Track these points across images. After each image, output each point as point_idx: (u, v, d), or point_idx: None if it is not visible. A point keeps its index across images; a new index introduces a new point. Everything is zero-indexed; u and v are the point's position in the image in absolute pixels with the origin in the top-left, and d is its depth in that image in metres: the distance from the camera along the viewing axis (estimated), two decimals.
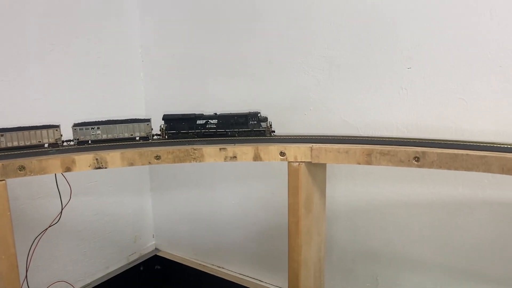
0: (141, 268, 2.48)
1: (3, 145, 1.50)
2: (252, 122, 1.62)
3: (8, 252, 1.41)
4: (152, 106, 2.37)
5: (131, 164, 1.49)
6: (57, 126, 1.56)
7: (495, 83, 1.51)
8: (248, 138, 1.60)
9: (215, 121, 1.63)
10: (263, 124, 1.62)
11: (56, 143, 1.56)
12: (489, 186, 1.59)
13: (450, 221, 1.69)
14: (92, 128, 1.59)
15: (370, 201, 1.85)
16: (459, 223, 1.68)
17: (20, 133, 1.52)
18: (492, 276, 1.67)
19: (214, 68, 2.13)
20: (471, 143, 1.40)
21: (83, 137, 1.58)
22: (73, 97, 2.08)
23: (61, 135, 1.57)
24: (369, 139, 1.53)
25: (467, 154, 1.30)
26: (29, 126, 1.54)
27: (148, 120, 1.62)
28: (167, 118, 1.63)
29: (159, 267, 2.53)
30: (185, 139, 1.61)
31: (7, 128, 1.51)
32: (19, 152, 1.49)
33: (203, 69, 2.17)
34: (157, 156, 1.51)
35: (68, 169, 1.43)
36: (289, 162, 1.49)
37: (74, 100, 2.09)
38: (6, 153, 1.47)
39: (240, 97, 2.06)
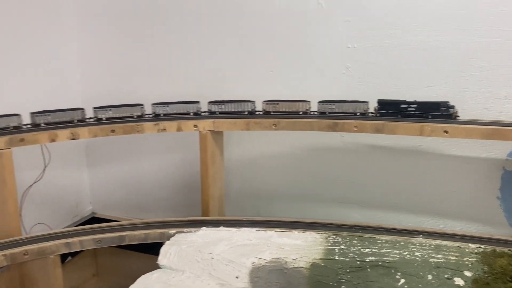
0: None
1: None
2: (442, 108, 1.99)
3: (12, 198, 2.10)
4: None
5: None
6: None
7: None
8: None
9: (414, 106, 2.04)
10: (451, 110, 2.00)
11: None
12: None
13: (300, 165, 2.70)
14: (329, 104, 2.19)
15: (251, 158, 2.79)
16: (304, 166, 2.69)
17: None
18: (317, 195, 2.69)
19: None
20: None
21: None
22: None
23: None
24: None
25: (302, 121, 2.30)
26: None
27: (367, 102, 2.13)
28: (381, 102, 2.10)
29: None
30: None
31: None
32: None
33: None
34: (112, 130, 2.29)
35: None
36: (200, 131, 2.37)
37: None
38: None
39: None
